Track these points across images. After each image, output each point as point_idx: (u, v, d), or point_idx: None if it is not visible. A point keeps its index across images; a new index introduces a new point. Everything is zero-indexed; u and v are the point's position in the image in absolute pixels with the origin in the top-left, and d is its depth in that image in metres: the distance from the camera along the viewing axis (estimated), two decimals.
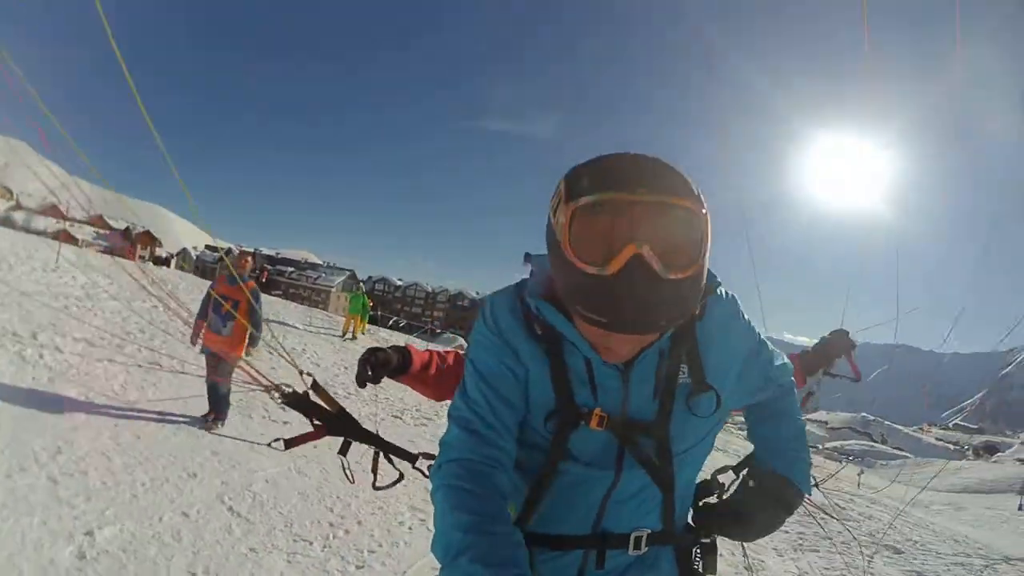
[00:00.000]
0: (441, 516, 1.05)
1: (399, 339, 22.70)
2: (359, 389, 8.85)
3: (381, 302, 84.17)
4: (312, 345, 13.24)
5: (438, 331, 43.11)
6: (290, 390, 2.14)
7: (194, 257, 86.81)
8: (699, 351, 1.21)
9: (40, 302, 9.04)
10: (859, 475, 17.23)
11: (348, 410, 2.21)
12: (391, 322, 33.64)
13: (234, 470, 4.85)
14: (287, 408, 6.76)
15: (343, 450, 2.04)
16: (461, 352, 2.31)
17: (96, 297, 10.83)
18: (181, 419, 5.97)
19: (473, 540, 0.97)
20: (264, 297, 22.38)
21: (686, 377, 1.20)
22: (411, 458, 1.92)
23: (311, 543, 3.91)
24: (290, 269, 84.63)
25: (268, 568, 3.43)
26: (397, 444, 2.06)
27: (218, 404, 6.13)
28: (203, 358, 6.37)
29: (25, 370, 6.25)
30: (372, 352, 2.06)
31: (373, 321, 20.57)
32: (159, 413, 6.01)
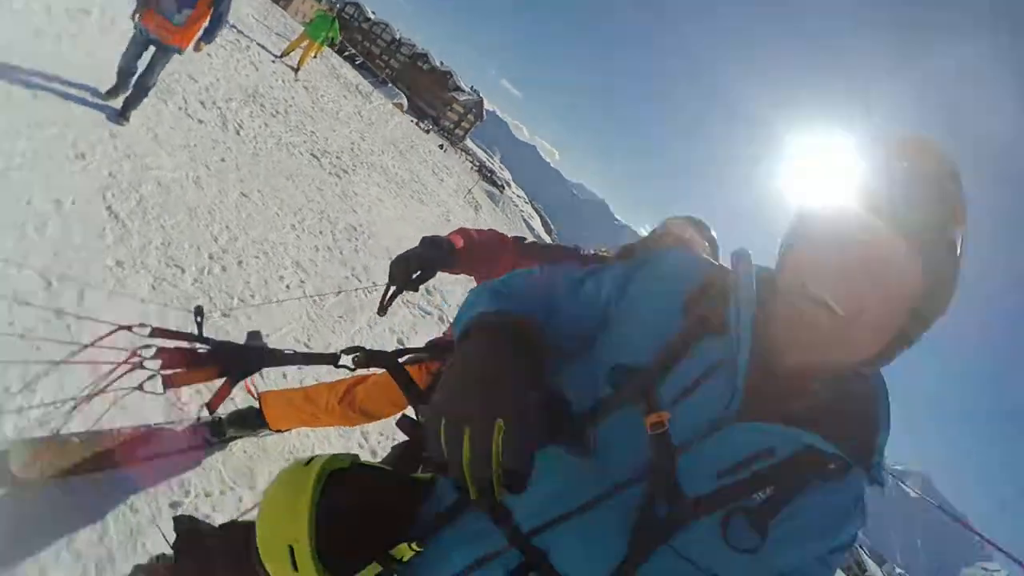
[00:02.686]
0: (468, 307, 0.98)
1: (349, 74, 21.17)
2: (270, 124, 8.11)
3: (344, 26, 77.95)
4: (256, 46, 12.04)
5: (386, 81, 40.82)
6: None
7: None
8: (793, 497, 0.87)
9: None
10: None
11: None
12: (347, 53, 31.26)
13: (127, 160, 4.29)
14: (206, 105, 5.84)
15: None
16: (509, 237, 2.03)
17: None
18: (90, 83, 4.94)
19: (502, 296, 0.96)
20: None
21: (762, 497, 0.87)
22: (332, 359, 1.57)
23: (183, 271, 3.61)
24: None
25: (131, 289, 3.10)
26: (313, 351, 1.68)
27: (136, 94, 4.96)
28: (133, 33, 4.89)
29: None
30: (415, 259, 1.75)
31: (331, 44, 18.50)
32: (68, 69, 4.86)
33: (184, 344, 1.56)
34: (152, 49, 4.91)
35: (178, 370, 1.51)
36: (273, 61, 12.24)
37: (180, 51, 5.00)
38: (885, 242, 0.81)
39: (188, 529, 1.29)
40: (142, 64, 5.00)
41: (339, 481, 1.00)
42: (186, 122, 5.90)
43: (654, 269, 1.04)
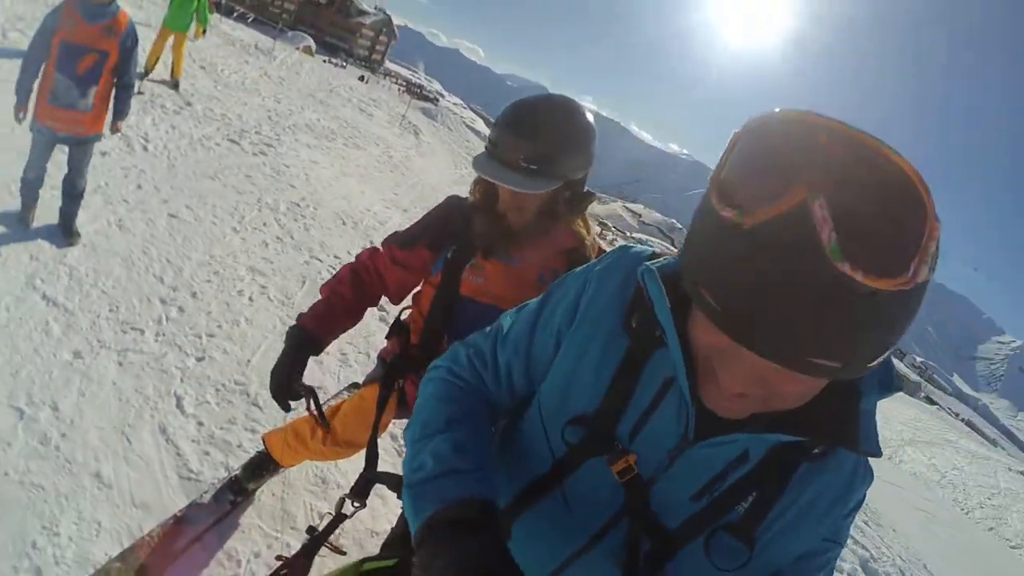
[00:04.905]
0: (426, 402, 1.01)
1: (244, 34, 20.00)
2: (177, 124, 7.62)
3: None
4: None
5: (286, 29, 38.76)
6: None
7: None
8: (780, 495, 0.85)
9: None
10: None
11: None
12: (237, 13, 29.54)
13: (42, 236, 4.08)
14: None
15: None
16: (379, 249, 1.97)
17: None
18: None
19: (450, 427, 0.93)
20: None
21: (743, 508, 0.86)
22: (339, 517, 1.56)
23: (142, 332, 3.54)
24: None
25: (98, 379, 3.05)
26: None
27: (72, 203, 4.19)
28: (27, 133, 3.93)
29: None
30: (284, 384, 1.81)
31: (217, 7, 16.70)
32: None
33: None
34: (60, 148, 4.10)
35: None
36: (141, 82, 8.53)
37: (100, 137, 4.21)
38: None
39: None
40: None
41: None
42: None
43: (565, 296, 0.99)
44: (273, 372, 1.81)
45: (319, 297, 1.94)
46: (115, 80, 4.03)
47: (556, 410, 0.95)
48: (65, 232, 4.17)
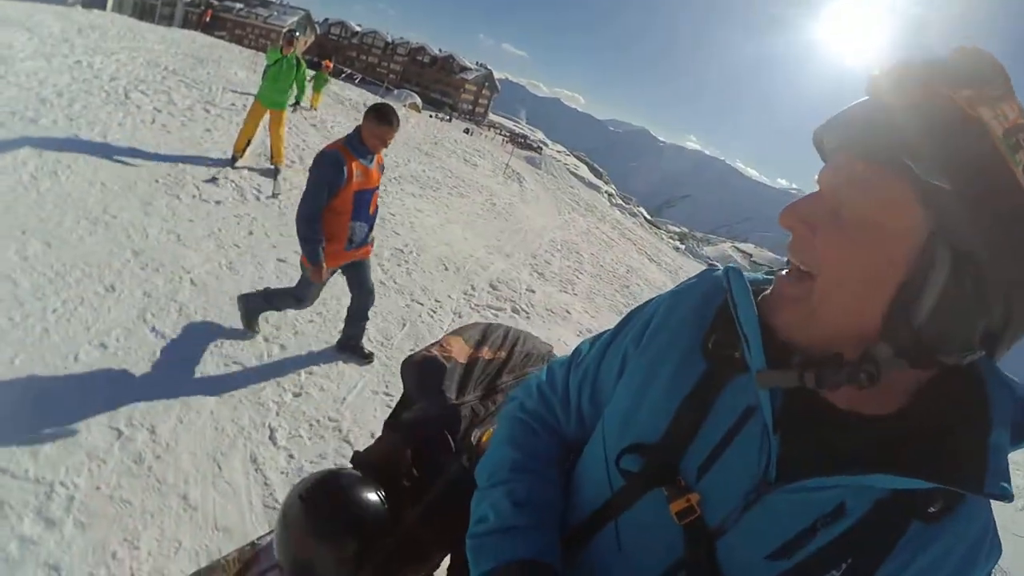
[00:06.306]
0: (495, 446, 1.01)
1: (353, 94, 21.24)
2: (288, 177, 7.93)
3: (336, 48, 78.66)
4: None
5: (392, 88, 41.03)
6: None
7: None
8: (881, 564, 0.68)
9: None
10: None
11: None
12: (345, 74, 31.55)
13: (157, 274, 4.39)
14: (218, 182, 5.52)
15: None
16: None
17: (10, 59, 8.62)
18: (98, 211, 5.01)
19: (513, 476, 0.93)
20: (207, 40, 19.88)
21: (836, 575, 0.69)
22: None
23: (244, 366, 3.68)
24: (239, 6, 76.32)
25: (197, 407, 3.18)
26: None
27: (361, 326, 4.33)
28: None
29: None
30: None
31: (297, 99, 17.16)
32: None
33: None
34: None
35: None
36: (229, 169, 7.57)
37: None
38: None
39: None
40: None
41: None
42: (203, 208, 5.97)
43: (641, 318, 0.91)
44: None
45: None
46: None
47: (617, 437, 0.84)
48: (358, 351, 4.35)
